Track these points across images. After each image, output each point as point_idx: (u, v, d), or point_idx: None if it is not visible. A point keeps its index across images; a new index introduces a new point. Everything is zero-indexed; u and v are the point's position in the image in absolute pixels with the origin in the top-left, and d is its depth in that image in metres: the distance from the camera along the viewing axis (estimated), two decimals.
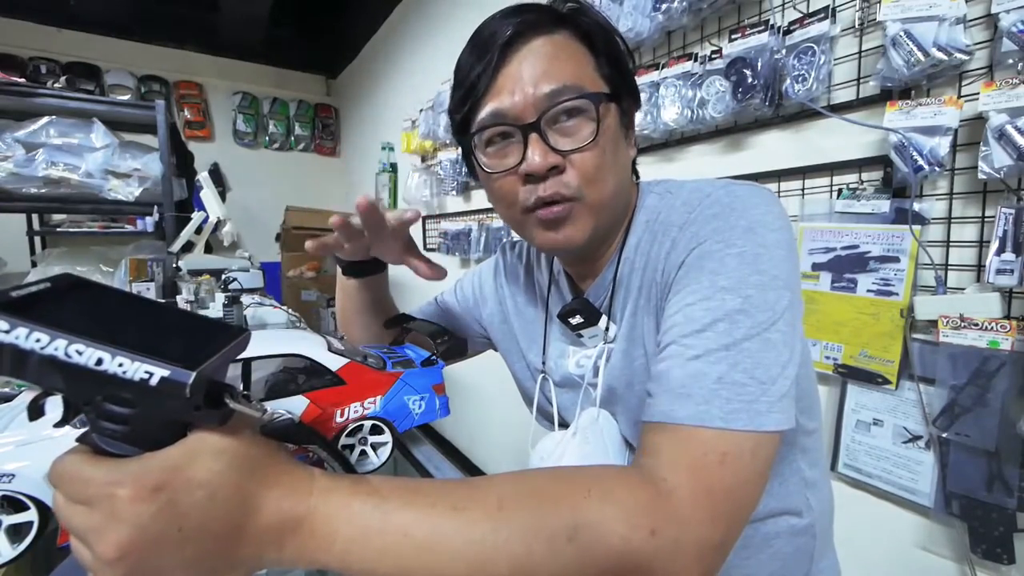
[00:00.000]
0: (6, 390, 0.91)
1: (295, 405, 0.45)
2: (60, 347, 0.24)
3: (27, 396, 0.43)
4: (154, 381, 0.25)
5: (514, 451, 2.20)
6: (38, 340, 0.23)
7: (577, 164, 0.47)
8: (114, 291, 0.30)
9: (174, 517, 0.26)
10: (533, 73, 0.46)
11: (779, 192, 1.09)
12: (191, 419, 0.27)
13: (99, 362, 0.24)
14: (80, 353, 0.24)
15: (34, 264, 2.43)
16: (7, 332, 0.23)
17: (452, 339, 0.59)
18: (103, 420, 0.26)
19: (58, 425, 0.27)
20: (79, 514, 0.26)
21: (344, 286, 0.68)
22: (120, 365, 0.24)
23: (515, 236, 0.57)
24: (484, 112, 0.48)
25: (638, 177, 0.59)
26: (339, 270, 0.67)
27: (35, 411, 0.28)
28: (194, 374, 0.25)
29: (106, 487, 0.25)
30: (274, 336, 0.53)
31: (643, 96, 1.28)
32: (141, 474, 0.26)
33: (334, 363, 0.48)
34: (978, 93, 0.78)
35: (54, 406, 0.28)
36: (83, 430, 0.27)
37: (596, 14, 0.51)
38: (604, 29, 0.50)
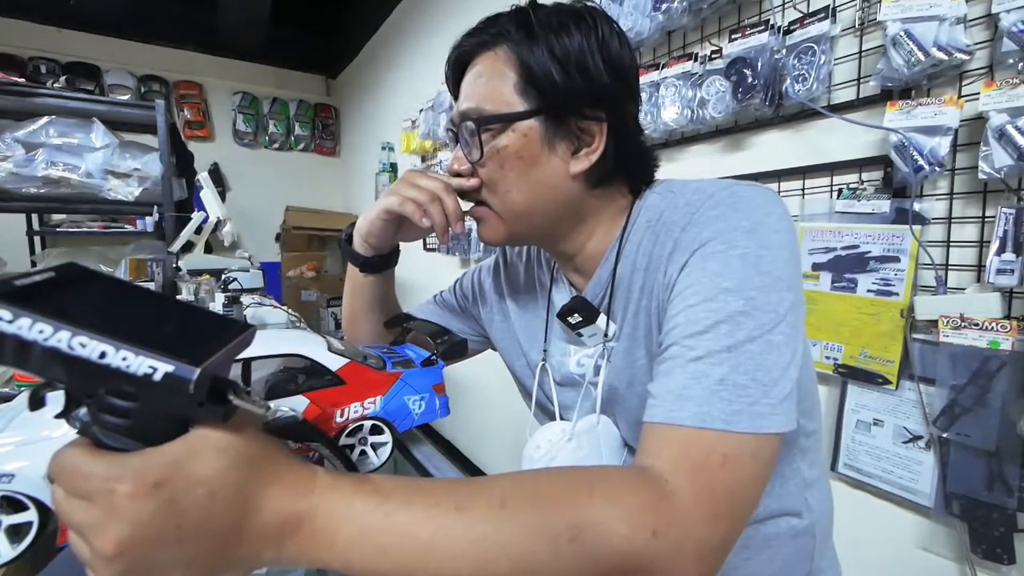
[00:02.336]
0: (6, 390, 0.91)
1: (295, 405, 0.45)
2: (63, 339, 0.23)
3: (27, 395, 0.43)
4: (157, 376, 0.24)
5: (514, 451, 2.20)
6: (41, 331, 0.23)
7: (480, 175, 0.54)
8: (119, 282, 0.30)
9: (173, 514, 0.26)
10: (463, 91, 0.54)
11: (779, 192, 1.09)
12: (194, 415, 0.27)
13: (102, 355, 0.24)
14: (83, 346, 0.23)
15: (34, 264, 2.44)
16: (10, 322, 0.23)
17: (452, 339, 0.59)
18: (105, 413, 0.26)
19: (58, 417, 0.27)
20: (78, 509, 0.25)
21: (357, 285, 0.68)
22: (124, 359, 0.24)
23: None
24: None
25: (638, 178, 0.57)
26: (351, 269, 0.67)
27: (35, 402, 0.28)
28: (198, 370, 0.25)
29: (106, 482, 0.25)
30: (274, 336, 0.53)
31: (643, 96, 1.28)
32: (141, 470, 0.25)
33: (334, 363, 0.47)
34: (978, 93, 0.78)
35: (55, 398, 0.27)
36: (80, 429, 0.27)
37: (539, 30, 0.49)
38: (537, 49, 0.49)
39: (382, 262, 0.66)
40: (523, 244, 0.69)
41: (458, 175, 0.55)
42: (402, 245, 0.67)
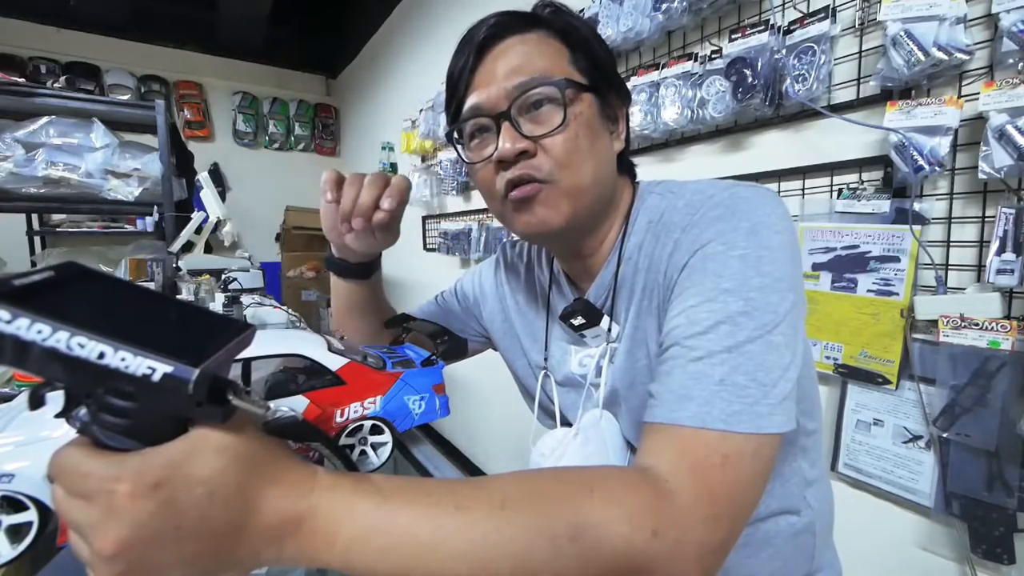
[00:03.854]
0: (6, 390, 0.91)
1: (295, 405, 0.45)
2: (62, 339, 0.23)
3: (27, 395, 0.43)
4: (156, 377, 0.24)
5: (514, 451, 2.20)
6: (40, 331, 0.23)
7: (548, 148, 0.48)
8: (118, 281, 0.30)
9: (173, 515, 0.26)
10: (506, 68, 0.49)
11: (779, 192, 1.09)
12: (193, 415, 0.27)
13: (101, 356, 0.24)
14: (82, 346, 0.23)
15: (34, 264, 2.44)
16: (8, 322, 0.23)
17: (452, 339, 0.59)
18: (104, 413, 0.26)
19: (58, 416, 0.27)
20: (78, 508, 0.25)
21: (336, 287, 0.67)
22: (123, 360, 0.24)
23: (515, 235, 0.57)
24: (465, 106, 0.51)
25: (634, 176, 0.59)
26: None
27: (35, 401, 0.28)
28: (197, 371, 0.25)
29: (105, 482, 0.25)
30: (274, 336, 0.53)
31: (643, 96, 1.28)
32: (141, 470, 0.25)
33: (334, 363, 0.47)
34: (978, 93, 0.78)
35: (55, 397, 0.27)
36: (79, 429, 0.27)
37: (572, 16, 0.53)
38: (580, 28, 0.52)
39: (347, 268, 0.63)
40: (574, 232, 0.54)
41: (523, 153, 0.49)
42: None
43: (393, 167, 3.09)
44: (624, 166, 0.57)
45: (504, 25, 0.51)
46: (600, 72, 0.52)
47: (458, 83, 0.52)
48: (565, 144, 0.48)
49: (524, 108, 0.49)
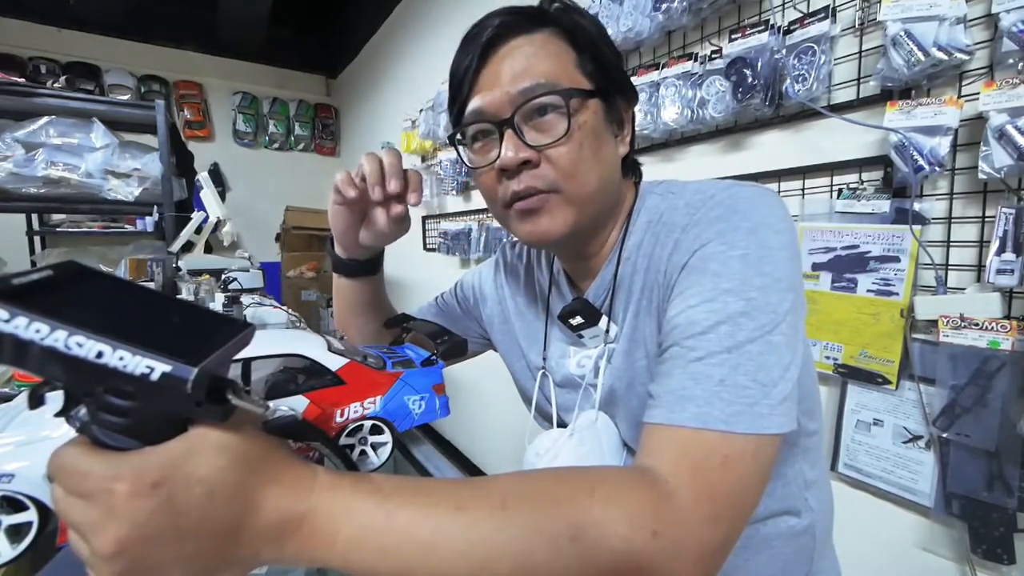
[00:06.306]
0: (6, 390, 0.91)
1: (295, 405, 0.45)
2: (60, 338, 0.23)
3: (27, 395, 0.43)
4: (155, 376, 0.24)
5: (514, 451, 2.20)
6: (38, 331, 0.23)
7: (552, 159, 0.48)
8: (117, 280, 0.30)
9: (172, 514, 0.26)
10: (510, 71, 0.48)
11: (779, 192, 1.09)
12: (192, 414, 0.27)
13: (99, 355, 0.24)
14: (80, 345, 0.23)
15: (34, 264, 2.44)
16: (7, 321, 0.23)
17: (452, 339, 0.59)
18: (103, 412, 0.26)
19: (58, 415, 0.27)
20: (77, 508, 0.25)
21: (338, 286, 0.68)
22: (121, 359, 0.24)
23: (514, 236, 0.57)
24: (468, 109, 0.50)
25: (638, 176, 0.59)
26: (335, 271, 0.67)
27: (35, 400, 0.28)
28: (196, 370, 0.24)
29: (104, 481, 0.25)
30: (274, 336, 0.53)
31: (643, 96, 1.28)
32: (140, 469, 0.25)
33: (334, 363, 0.47)
34: (978, 93, 0.78)
35: (54, 396, 0.27)
36: (79, 428, 0.27)
37: (580, 13, 0.52)
38: (587, 28, 0.51)
39: (356, 267, 0.64)
40: (577, 238, 0.53)
41: (526, 163, 0.48)
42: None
43: None
44: (628, 167, 0.56)
45: (510, 24, 0.49)
46: (607, 75, 0.51)
47: (462, 83, 0.51)
48: (570, 155, 0.48)
49: (528, 115, 0.48)
